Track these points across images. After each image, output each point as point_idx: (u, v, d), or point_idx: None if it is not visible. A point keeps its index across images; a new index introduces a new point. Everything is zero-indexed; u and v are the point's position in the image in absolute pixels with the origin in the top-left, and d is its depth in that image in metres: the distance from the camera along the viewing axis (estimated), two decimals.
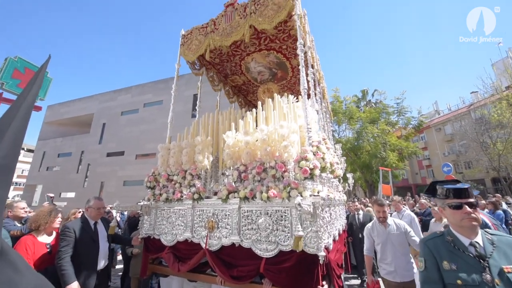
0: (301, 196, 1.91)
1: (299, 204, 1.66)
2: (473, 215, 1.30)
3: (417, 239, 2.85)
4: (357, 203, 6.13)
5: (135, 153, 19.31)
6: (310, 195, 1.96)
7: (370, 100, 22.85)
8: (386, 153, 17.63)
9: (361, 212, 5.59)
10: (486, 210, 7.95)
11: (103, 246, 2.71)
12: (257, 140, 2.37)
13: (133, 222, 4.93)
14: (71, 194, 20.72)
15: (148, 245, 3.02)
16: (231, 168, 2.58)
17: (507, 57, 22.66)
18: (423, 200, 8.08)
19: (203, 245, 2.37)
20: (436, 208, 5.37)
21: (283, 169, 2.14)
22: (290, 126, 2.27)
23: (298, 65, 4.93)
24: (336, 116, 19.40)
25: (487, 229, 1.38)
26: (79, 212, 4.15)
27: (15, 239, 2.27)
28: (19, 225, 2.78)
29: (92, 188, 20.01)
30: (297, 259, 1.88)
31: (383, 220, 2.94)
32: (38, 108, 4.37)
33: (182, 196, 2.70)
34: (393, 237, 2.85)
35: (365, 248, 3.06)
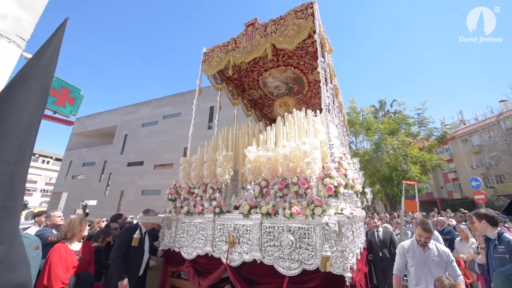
0: (326, 214, 1.88)
1: (326, 224, 1.64)
2: None
3: (458, 270, 2.62)
4: (376, 220, 5.85)
5: (153, 163, 20.04)
6: (335, 213, 1.92)
7: (388, 111, 22.18)
8: (407, 166, 16.81)
9: (380, 229, 5.30)
10: None
11: (146, 254, 2.88)
12: (279, 156, 2.38)
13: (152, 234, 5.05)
14: (93, 202, 21.71)
15: (168, 257, 3.07)
16: (252, 183, 2.60)
17: None
18: (441, 217, 7.54)
19: (224, 260, 2.37)
20: (462, 226, 4.90)
21: (306, 186, 2.13)
22: (312, 142, 2.27)
23: (315, 80, 5.08)
24: (353, 127, 18.99)
25: None
26: (103, 221, 4.33)
27: (52, 245, 2.43)
28: (55, 232, 2.99)
29: (113, 196, 20.87)
30: (322, 280, 1.82)
31: (423, 245, 2.71)
32: (70, 123, 4.72)
33: (203, 210, 2.74)
34: (432, 263, 2.62)
35: (395, 267, 2.84)
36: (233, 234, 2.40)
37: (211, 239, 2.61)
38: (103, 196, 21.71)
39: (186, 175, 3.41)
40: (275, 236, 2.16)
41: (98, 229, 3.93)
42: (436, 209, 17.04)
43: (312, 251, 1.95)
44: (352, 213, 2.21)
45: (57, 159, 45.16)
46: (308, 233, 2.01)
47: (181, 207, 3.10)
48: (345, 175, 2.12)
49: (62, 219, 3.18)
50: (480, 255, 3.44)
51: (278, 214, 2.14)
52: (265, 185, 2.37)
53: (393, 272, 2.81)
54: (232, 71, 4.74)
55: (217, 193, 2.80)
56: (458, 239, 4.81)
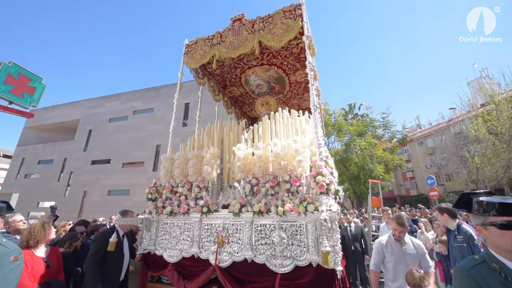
0: (317, 210, 1.93)
1: (325, 220, 1.68)
2: None
3: (431, 261, 2.73)
4: (348, 216, 6.19)
5: (122, 161, 18.70)
6: (327, 210, 1.98)
7: (357, 114, 23.69)
8: (373, 165, 18.20)
9: (353, 224, 5.62)
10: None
11: (127, 258, 2.69)
12: (270, 154, 2.38)
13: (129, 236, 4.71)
14: (51, 204, 19.64)
15: (148, 261, 2.88)
16: (242, 181, 2.56)
17: (481, 77, 24.58)
18: (402, 212, 8.35)
19: (212, 261, 2.30)
20: (423, 220, 5.44)
21: (298, 184, 2.16)
22: (303, 141, 2.31)
23: (296, 81, 5.19)
24: (326, 128, 19.94)
25: None
26: (69, 224, 3.91)
27: None
28: (18, 237, 2.63)
29: (74, 197, 19.05)
30: (314, 275, 1.87)
31: (399, 239, 2.74)
32: (30, 115, 4.17)
33: (189, 209, 2.63)
34: (409, 257, 2.65)
35: (372, 262, 2.84)
36: (222, 234, 2.34)
37: (198, 240, 2.51)
38: (63, 197, 19.67)
39: (168, 173, 3.24)
40: (266, 234, 2.15)
41: (64, 233, 3.54)
42: (397, 205, 18.73)
43: (305, 247, 1.99)
44: (338, 209, 2.30)
45: (6, 156, 39.64)
46: (301, 230, 2.05)
47: (163, 207, 2.93)
48: (331, 173, 2.20)
49: (24, 223, 2.82)
50: (438, 245, 3.82)
51: (270, 212, 2.14)
52: (255, 183, 2.35)
53: (370, 268, 2.83)
54: (215, 65, 4.64)
55: (204, 192, 2.70)
56: (419, 231, 5.34)
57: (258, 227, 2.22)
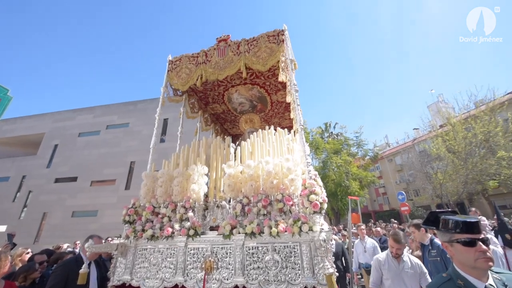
0: (312, 230, 1.90)
1: (324, 240, 1.65)
2: (488, 254, 1.13)
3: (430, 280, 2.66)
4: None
5: (90, 179, 17.15)
6: (320, 229, 1.96)
7: (332, 132, 24.91)
8: (349, 182, 18.95)
9: (333, 241, 5.62)
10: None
11: None
12: (262, 173, 2.34)
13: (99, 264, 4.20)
14: (1, 228, 17.02)
15: None
16: (231, 200, 2.46)
17: (438, 101, 27.65)
18: (378, 228, 8.72)
19: None
20: (411, 238, 5.60)
21: (291, 203, 2.13)
22: (295, 159, 2.32)
23: (277, 101, 5.35)
24: None
25: (492, 268, 1.20)
26: (27, 253, 3.39)
27: None
28: None
29: (31, 220, 16.81)
30: None
31: (397, 256, 2.73)
32: None
33: (173, 232, 2.43)
34: (406, 276, 2.62)
35: (371, 280, 2.84)
36: (210, 258, 2.17)
37: (183, 266, 2.30)
38: (17, 220, 17.25)
39: (150, 193, 3.01)
40: (259, 258, 2.05)
41: (20, 264, 3.05)
42: (372, 220, 19.40)
43: (299, 270, 1.92)
44: (330, 228, 2.29)
45: None
46: (295, 251, 1.98)
47: (143, 230, 2.67)
48: (321, 192, 2.22)
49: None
50: None
51: (263, 233, 2.05)
52: (246, 202, 2.27)
53: (370, 285, 2.82)
54: (200, 83, 4.62)
55: (190, 213, 2.53)
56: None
57: (250, 250, 2.10)
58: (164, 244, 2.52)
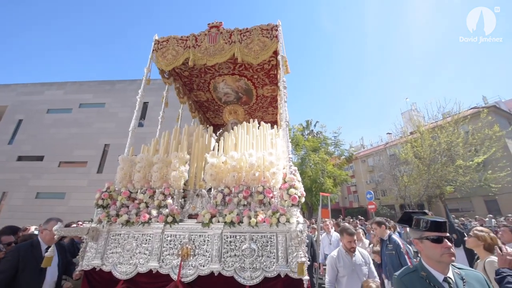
0: (289, 222, 2.00)
1: (300, 231, 1.74)
2: (452, 250, 1.29)
3: (375, 271, 2.79)
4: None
5: (58, 159, 15.92)
6: (297, 221, 2.06)
7: (312, 130, 25.62)
8: (324, 179, 19.80)
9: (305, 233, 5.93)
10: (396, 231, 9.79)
11: (51, 276, 2.28)
12: (245, 164, 2.38)
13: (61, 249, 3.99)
14: None
15: (91, 279, 2.48)
16: (213, 190, 2.47)
17: (411, 109, 29.61)
18: (345, 223, 9.36)
19: (174, 276, 2.12)
20: (360, 230, 6.05)
21: (271, 195, 2.20)
22: (278, 153, 2.39)
23: (263, 95, 5.38)
24: None
25: (453, 263, 1.35)
26: None
27: None
28: None
29: None
30: (282, 285, 1.90)
31: (353, 250, 2.76)
32: None
33: (150, 219, 2.39)
34: (359, 269, 2.66)
35: (327, 280, 2.80)
36: (187, 245, 2.19)
37: (158, 253, 2.29)
38: None
39: (126, 177, 2.91)
40: (236, 246, 2.11)
41: None
42: (341, 216, 20.57)
43: (274, 258, 2.02)
44: (305, 220, 2.41)
45: None
46: (271, 241, 2.07)
47: (117, 215, 2.60)
48: (300, 186, 2.32)
49: None
50: (373, 255, 4.14)
51: (242, 223, 2.11)
52: (228, 192, 2.30)
53: (326, 286, 2.81)
54: (184, 67, 4.46)
55: (169, 199, 2.51)
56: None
57: (228, 238, 2.16)
58: (139, 230, 2.47)
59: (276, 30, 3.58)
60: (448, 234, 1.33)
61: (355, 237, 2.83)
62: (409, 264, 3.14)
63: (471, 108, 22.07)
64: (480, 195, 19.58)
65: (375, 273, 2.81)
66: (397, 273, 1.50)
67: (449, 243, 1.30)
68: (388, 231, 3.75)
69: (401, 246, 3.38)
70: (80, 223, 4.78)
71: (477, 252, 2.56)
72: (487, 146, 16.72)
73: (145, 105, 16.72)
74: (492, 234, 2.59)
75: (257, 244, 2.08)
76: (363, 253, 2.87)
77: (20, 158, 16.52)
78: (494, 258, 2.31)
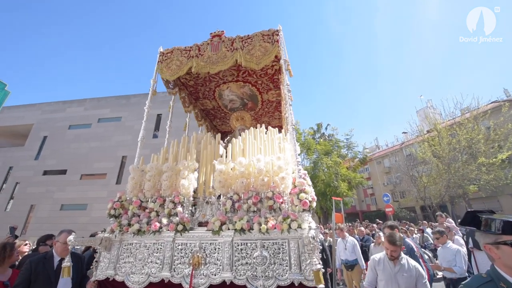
0: (300, 228, 1.92)
1: (313, 237, 1.67)
2: None
3: (429, 286, 2.56)
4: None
5: (80, 172, 16.75)
6: (309, 227, 1.99)
7: (324, 133, 25.25)
8: (338, 183, 19.31)
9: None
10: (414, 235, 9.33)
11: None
12: (253, 170, 2.34)
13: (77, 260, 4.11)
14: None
15: None
16: (222, 197, 2.45)
17: (427, 106, 28.52)
18: (361, 227, 9.04)
19: (186, 286, 2.09)
20: (380, 233, 5.78)
21: (281, 200, 2.14)
22: (286, 158, 2.34)
23: (268, 100, 5.36)
24: None
25: None
26: (25, 244, 3.34)
27: None
28: None
29: (18, 212, 16.36)
30: None
31: (392, 259, 2.60)
32: None
33: (161, 227, 2.39)
34: (401, 279, 2.49)
35: (366, 280, 2.77)
36: (198, 254, 2.16)
37: (169, 262, 2.27)
38: (3, 212, 16.68)
39: (137, 187, 2.95)
40: (248, 254, 2.05)
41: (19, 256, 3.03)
42: (358, 220, 19.88)
43: (287, 266, 1.94)
44: (317, 226, 2.32)
45: None
46: (283, 248, 2.00)
47: (129, 224, 2.62)
48: (311, 190, 2.24)
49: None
50: None
51: (253, 229, 2.06)
52: (237, 199, 2.27)
53: (364, 285, 2.76)
54: (189, 77, 4.54)
55: (179, 207, 2.50)
56: (372, 244, 5.68)
57: (238, 246, 2.11)
58: (150, 239, 2.47)
59: (277, 34, 3.58)
60: None
61: (395, 248, 2.57)
62: (423, 267, 2.99)
63: (492, 102, 20.94)
64: (508, 193, 18.27)
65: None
66: (467, 283, 1.29)
67: None
68: (402, 235, 3.59)
69: (415, 249, 3.30)
70: (99, 233, 4.91)
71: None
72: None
73: (158, 117, 17.30)
74: None
75: (268, 252, 2.01)
76: (413, 265, 2.60)
77: (45, 173, 17.55)
78: None
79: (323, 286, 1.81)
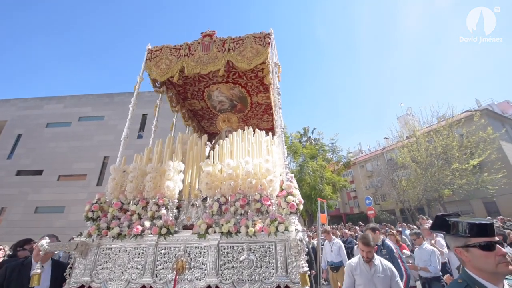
0: (287, 230, 1.92)
1: (301, 240, 1.66)
2: (508, 257, 1.08)
3: (401, 284, 2.62)
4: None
5: (58, 173, 15.77)
6: (295, 230, 1.98)
7: (310, 137, 25.70)
8: (323, 186, 19.70)
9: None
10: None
11: None
12: (241, 172, 2.31)
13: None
14: None
15: None
16: (208, 199, 2.39)
17: (407, 114, 29.92)
18: (345, 229, 9.31)
19: None
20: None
21: (268, 203, 2.13)
22: (274, 160, 2.33)
23: (258, 102, 5.37)
24: None
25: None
26: (1, 249, 3.05)
27: None
28: None
29: None
30: None
31: (367, 261, 2.62)
32: None
33: (143, 231, 2.28)
34: (378, 280, 2.52)
35: (344, 285, 2.74)
36: (182, 258, 2.08)
37: (152, 267, 2.17)
38: None
39: (118, 188, 2.80)
40: (234, 257, 2.01)
41: None
42: (342, 222, 20.35)
43: (273, 269, 1.92)
44: (303, 228, 2.33)
45: None
46: (269, 251, 1.98)
47: (108, 228, 2.48)
48: (298, 193, 2.25)
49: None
50: None
51: (240, 232, 2.02)
52: (224, 201, 2.22)
53: None
54: (176, 78, 4.46)
55: (164, 210, 2.41)
56: (356, 246, 5.86)
57: (225, 249, 2.06)
58: (131, 243, 2.35)
59: (269, 37, 3.61)
60: (498, 239, 1.13)
61: (370, 249, 2.61)
62: (402, 267, 3.14)
63: (465, 112, 22.39)
64: (479, 197, 19.52)
65: (401, 286, 2.60)
66: None
67: (503, 249, 1.09)
68: (382, 236, 3.82)
69: (394, 250, 3.47)
70: (74, 237, 4.63)
71: None
72: (482, 149, 16.86)
73: (144, 117, 16.77)
74: None
75: (255, 255, 1.98)
76: (386, 265, 2.65)
77: (19, 173, 16.38)
78: None
79: None
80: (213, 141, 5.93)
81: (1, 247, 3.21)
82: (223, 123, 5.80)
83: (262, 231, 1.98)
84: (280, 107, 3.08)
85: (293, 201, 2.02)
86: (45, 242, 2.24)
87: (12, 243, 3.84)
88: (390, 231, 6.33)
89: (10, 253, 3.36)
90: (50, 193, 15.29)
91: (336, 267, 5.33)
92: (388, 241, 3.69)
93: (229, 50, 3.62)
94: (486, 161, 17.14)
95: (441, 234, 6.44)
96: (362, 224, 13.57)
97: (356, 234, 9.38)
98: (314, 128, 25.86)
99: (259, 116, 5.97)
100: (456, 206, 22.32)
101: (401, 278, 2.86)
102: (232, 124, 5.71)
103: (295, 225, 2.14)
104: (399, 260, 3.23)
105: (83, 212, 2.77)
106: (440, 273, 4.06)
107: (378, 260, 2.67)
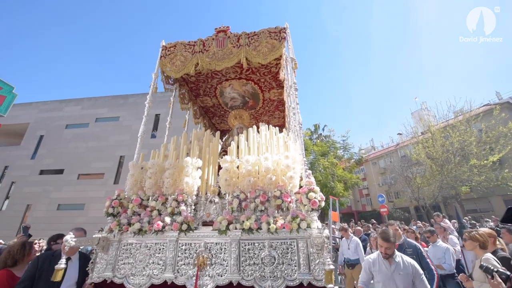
0: (309, 227, 1.88)
1: (327, 237, 1.62)
2: None
3: (427, 283, 2.43)
4: None
5: (77, 172, 16.45)
6: (323, 226, 1.95)
7: (321, 134, 25.35)
8: (334, 183, 19.41)
9: None
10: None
11: None
12: (261, 169, 2.28)
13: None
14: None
15: None
16: (228, 195, 2.38)
17: (421, 108, 28.92)
18: (358, 227, 9.14)
19: (190, 287, 2.01)
20: (374, 236, 5.81)
21: (289, 200, 2.09)
22: (294, 156, 2.29)
23: (270, 98, 5.30)
24: None
25: None
26: (35, 243, 3.30)
27: None
28: None
29: (13, 211, 16.00)
30: None
31: (387, 257, 2.46)
32: None
33: (164, 227, 2.30)
34: (398, 278, 2.36)
35: (360, 279, 2.64)
36: (203, 254, 2.09)
37: (173, 262, 2.19)
38: None
39: (137, 184, 2.84)
40: (255, 254, 1.99)
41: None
42: (353, 220, 20.04)
43: (295, 266, 1.89)
44: (324, 226, 2.28)
45: None
46: (291, 248, 1.95)
47: (129, 224, 2.52)
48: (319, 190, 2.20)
49: (1, 243, 2.44)
50: None
51: (261, 229, 2.00)
52: (243, 198, 2.20)
53: (359, 284, 2.64)
54: (193, 71, 4.44)
55: (183, 206, 2.42)
56: (369, 247, 5.71)
57: (246, 245, 2.05)
58: (152, 239, 2.39)
59: (284, 32, 3.55)
60: None
61: (389, 245, 2.43)
62: (432, 267, 2.98)
63: (484, 105, 21.39)
64: (499, 194, 18.67)
65: (428, 286, 2.41)
66: None
67: None
68: (403, 236, 3.67)
69: (422, 250, 3.22)
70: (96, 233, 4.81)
71: (475, 252, 2.51)
72: (502, 144, 16.03)
73: (157, 117, 17.16)
74: (481, 231, 2.53)
75: (277, 252, 1.96)
76: (408, 262, 2.48)
77: (42, 172, 17.21)
78: (489, 255, 2.27)
79: (332, 286, 1.77)
80: (224, 138, 5.95)
81: (37, 241, 3.44)
82: (235, 120, 5.78)
83: (284, 228, 1.95)
84: (297, 103, 3.02)
85: (315, 197, 1.98)
86: (69, 237, 2.30)
87: (40, 238, 4.03)
88: (409, 228, 6.18)
89: (45, 247, 3.54)
90: (71, 191, 16.03)
91: (352, 264, 5.29)
92: (411, 240, 3.53)
93: (244, 45, 3.58)
94: (506, 157, 16.32)
95: (455, 233, 6.26)
96: (374, 222, 13.31)
97: (368, 231, 9.17)
98: (325, 125, 25.54)
99: (270, 112, 5.92)
100: (475, 204, 21.49)
101: (432, 279, 2.76)
102: (244, 120, 5.68)
103: (317, 222, 2.10)
104: (427, 260, 3.03)
105: (102, 209, 2.83)
106: (455, 270, 4.01)
107: (399, 257, 2.51)
